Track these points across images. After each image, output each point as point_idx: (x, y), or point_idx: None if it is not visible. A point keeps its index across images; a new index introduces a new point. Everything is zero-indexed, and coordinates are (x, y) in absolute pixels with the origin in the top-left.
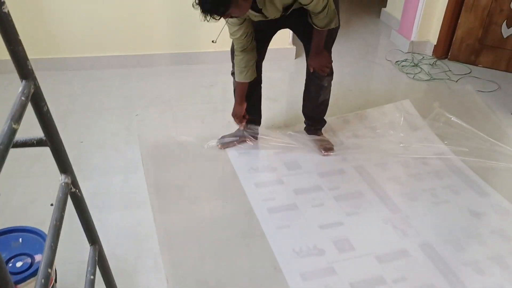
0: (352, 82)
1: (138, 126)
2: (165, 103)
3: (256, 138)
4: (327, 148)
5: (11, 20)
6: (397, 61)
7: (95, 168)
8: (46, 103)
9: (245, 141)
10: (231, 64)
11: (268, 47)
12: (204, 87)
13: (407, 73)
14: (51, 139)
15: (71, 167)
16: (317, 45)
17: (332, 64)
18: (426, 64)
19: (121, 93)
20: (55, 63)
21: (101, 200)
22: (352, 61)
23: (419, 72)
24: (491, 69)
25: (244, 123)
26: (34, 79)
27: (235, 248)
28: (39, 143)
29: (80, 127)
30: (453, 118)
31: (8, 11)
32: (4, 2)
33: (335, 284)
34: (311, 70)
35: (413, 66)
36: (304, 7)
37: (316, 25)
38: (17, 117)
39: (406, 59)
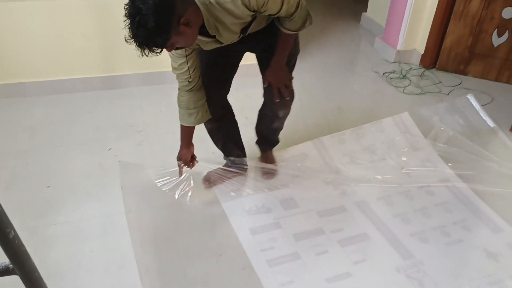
0: (340, 98)
1: (112, 163)
2: (140, 133)
3: (245, 171)
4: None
5: None
6: (384, 73)
7: (66, 221)
8: (12, 228)
9: (234, 176)
10: None
11: (246, 64)
12: None
13: (396, 86)
14: (21, 266)
15: None
16: (279, 58)
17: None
18: (414, 75)
19: (89, 121)
20: (11, 89)
21: (76, 261)
22: (336, 72)
23: (409, 85)
24: (480, 79)
25: (193, 165)
26: None
27: None
28: (4, 272)
29: (45, 168)
30: (454, 134)
31: None
32: None
33: None
34: (265, 85)
35: (402, 78)
36: (274, 16)
37: (290, 30)
38: None
39: (394, 71)
